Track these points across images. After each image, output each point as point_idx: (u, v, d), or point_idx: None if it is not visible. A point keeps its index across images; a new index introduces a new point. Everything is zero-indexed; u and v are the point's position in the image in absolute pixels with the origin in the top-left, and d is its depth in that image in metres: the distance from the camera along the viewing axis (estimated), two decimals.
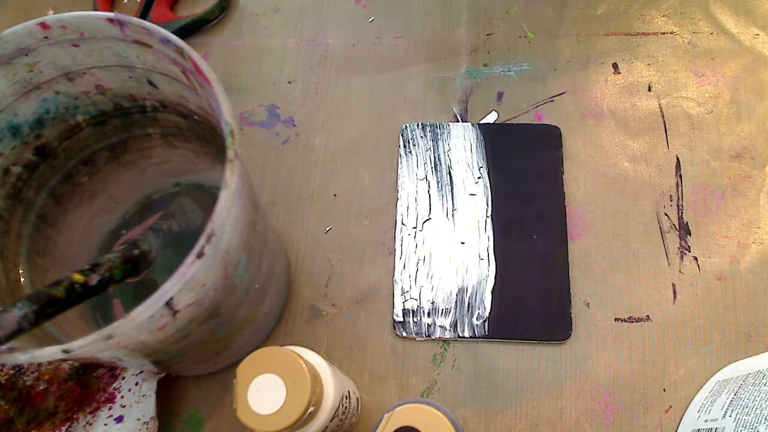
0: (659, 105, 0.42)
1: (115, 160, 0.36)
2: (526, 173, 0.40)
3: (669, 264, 0.38)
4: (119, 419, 0.34)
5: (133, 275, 0.31)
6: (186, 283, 0.23)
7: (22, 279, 0.33)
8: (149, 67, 0.29)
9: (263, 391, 0.25)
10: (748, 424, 0.28)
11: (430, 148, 0.42)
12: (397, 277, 0.38)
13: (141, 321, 0.22)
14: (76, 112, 0.32)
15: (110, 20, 0.27)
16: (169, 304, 0.23)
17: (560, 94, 0.43)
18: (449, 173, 0.41)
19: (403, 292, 0.38)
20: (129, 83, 0.31)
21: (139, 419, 0.33)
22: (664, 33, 0.44)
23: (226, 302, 0.28)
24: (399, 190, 0.41)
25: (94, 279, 0.27)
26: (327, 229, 0.41)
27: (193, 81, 0.28)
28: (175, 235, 0.35)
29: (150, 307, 0.22)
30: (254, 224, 0.29)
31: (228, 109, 0.25)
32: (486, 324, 0.37)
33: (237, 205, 0.25)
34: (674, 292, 0.37)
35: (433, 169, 0.41)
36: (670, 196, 0.39)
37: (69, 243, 0.36)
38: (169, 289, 0.22)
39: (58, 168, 0.34)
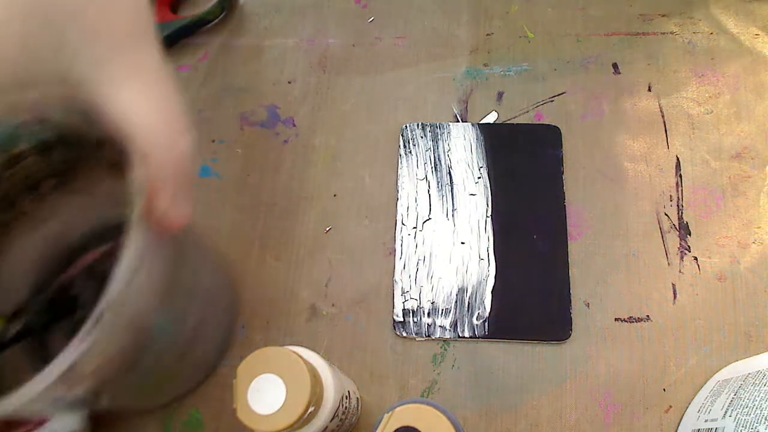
0: (659, 105, 0.42)
1: (62, 188, 0.35)
2: (526, 173, 0.40)
3: (669, 264, 0.38)
4: None
5: (59, 321, 0.30)
6: (71, 366, 0.22)
7: None
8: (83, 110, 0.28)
9: (263, 391, 0.25)
10: (748, 424, 0.28)
11: (430, 148, 0.42)
12: (397, 277, 0.38)
13: (32, 396, 0.21)
14: (18, 142, 0.31)
15: None
16: (62, 377, 0.22)
17: (560, 94, 0.43)
18: (449, 173, 0.41)
19: (403, 292, 0.38)
20: (69, 118, 0.30)
21: None
22: (664, 33, 0.44)
23: (142, 360, 0.27)
24: (399, 190, 0.41)
25: (12, 330, 0.27)
26: (327, 229, 0.41)
27: None
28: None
29: (34, 389, 0.21)
30: (176, 281, 0.27)
31: (137, 176, 0.23)
32: (486, 324, 0.37)
33: (145, 273, 0.24)
34: (674, 292, 0.37)
35: (433, 169, 0.41)
36: (670, 196, 0.39)
37: (14, 268, 0.35)
38: (46, 377, 0.21)
39: (1, 195, 0.33)
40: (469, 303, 0.38)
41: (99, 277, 0.33)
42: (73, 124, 0.31)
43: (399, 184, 0.41)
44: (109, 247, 0.37)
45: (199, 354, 0.33)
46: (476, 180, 0.40)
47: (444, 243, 0.39)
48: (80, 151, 0.33)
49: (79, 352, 0.22)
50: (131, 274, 0.23)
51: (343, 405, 0.30)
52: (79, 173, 0.35)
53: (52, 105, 0.28)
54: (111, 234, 0.38)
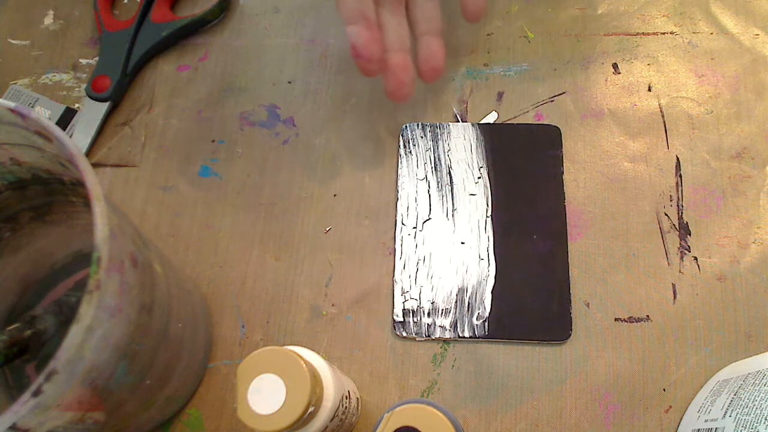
0: (659, 105, 0.42)
1: (39, 219, 0.35)
2: (526, 173, 0.40)
3: (669, 264, 0.38)
4: None
5: (20, 357, 0.30)
6: (21, 418, 0.22)
7: None
8: (56, 152, 0.28)
9: (263, 391, 0.25)
10: (748, 424, 0.28)
11: (430, 148, 0.42)
12: (397, 277, 0.38)
13: None
14: None
15: (12, 110, 0.26)
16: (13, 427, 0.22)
17: (560, 94, 0.43)
18: (449, 173, 0.41)
19: (403, 292, 0.38)
20: (42, 161, 0.30)
21: None
22: (664, 33, 0.44)
23: (102, 406, 0.27)
24: (399, 190, 0.41)
25: None
26: (327, 229, 0.41)
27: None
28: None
29: None
30: (142, 328, 0.27)
31: (103, 231, 0.22)
32: (486, 324, 0.37)
33: (106, 326, 0.24)
34: (674, 292, 0.37)
35: (433, 169, 0.41)
36: (670, 196, 0.39)
37: None
38: None
39: None
40: (469, 303, 0.38)
41: (67, 308, 0.32)
42: (48, 167, 0.31)
43: (399, 184, 0.41)
44: (79, 278, 0.37)
45: (167, 395, 0.33)
46: (476, 180, 0.40)
47: (444, 243, 0.39)
48: (56, 188, 0.33)
49: (27, 409, 0.21)
50: (84, 335, 0.22)
51: (343, 405, 0.30)
52: (55, 208, 0.35)
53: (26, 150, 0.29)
54: (89, 260, 0.37)
